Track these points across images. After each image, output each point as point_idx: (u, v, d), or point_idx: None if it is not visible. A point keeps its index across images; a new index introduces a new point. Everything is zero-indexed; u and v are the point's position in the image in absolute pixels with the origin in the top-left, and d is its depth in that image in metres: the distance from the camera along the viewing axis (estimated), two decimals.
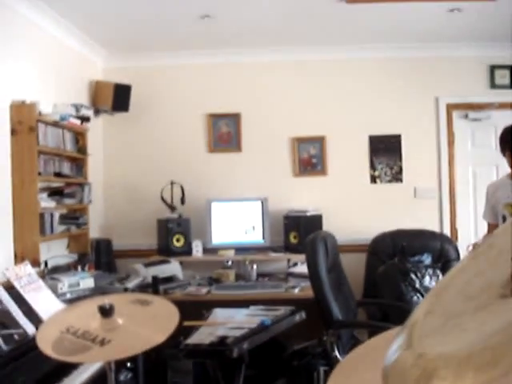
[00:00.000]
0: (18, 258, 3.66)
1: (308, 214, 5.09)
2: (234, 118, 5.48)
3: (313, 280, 3.73)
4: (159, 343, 1.77)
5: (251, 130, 5.45)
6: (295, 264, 5.08)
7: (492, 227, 3.59)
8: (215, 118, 5.49)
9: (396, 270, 4.62)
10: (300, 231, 5.01)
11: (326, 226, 5.00)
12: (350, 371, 1.39)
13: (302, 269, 4.60)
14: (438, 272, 4.35)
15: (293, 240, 5.10)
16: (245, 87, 5.47)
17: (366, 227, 5.23)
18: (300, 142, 5.42)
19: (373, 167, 5.38)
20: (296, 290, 4.41)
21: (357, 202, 5.34)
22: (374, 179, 5.39)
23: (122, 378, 3.79)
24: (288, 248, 5.13)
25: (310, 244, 3.76)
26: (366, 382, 1.24)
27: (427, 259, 4.83)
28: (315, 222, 5.06)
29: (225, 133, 5.51)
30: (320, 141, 5.39)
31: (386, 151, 5.37)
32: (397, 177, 5.36)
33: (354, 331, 3.85)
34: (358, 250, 5.19)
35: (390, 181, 5.38)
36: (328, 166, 5.39)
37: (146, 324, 1.91)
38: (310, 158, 5.43)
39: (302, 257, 4.29)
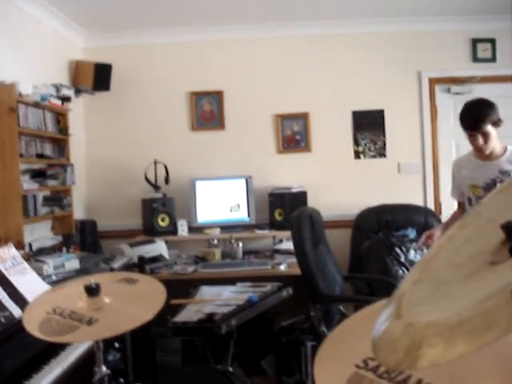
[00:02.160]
0: (2, 241, 3.62)
1: (293, 190, 5.10)
2: (217, 96, 5.44)
3: (299, 256, 3.74)
4: (147, 321, 1.77)
5: (234, 107, 5.42)
6: (281, 241, 5.09)
7: (462, 205, 3.56)
8: (198, 96, 5.45)
9: (381, 245, 4.65)
10: (285, 208, 5.02)
11: (311, 202, 5.01)
12: (338, 343, 1.40)
13: (288, 245, 4.62)
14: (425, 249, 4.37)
15: (278, 217, 5.11)
16: (227, 65, 5.42)
17: (350, 203, 5.25)
18: (283, 119, 5.39)
19: (356, 143, 5.38)
20: (282, 267, 4.42)
21: (341, 178, 5.35)
22: (357, 155, 5.39)
23: (110, 358, 3.80)
24: (273, 225, 5.13)
25: (295, 220, 3.76)
26: (355, 352, 1.25)
27: (412, 233, 4.86)
28: (300, 198, 5.07)
29: (208, 111, 5.47)
30: (303, 117, 5.38)
31: (369, 126, 5.36)
32: (380, 152, 5.37)
33: (341, 306, 3.88)
34: (343, 225, 5.21)
35: (373, 156, 5.38)
36: (312, 142, 5.38)
37: (133, 302, 1.90)
38: (293, 135, 5.41)
39: (288, 233, 4.30)
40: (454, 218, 3.57)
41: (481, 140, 3.13)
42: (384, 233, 4.80)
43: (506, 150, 3.25)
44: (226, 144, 5.41)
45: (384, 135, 5.36)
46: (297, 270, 3.83)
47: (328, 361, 1.32)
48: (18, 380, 2.46)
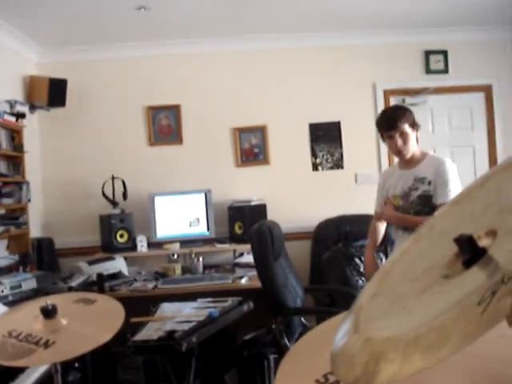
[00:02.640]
0: None
1: (252, 203, 5.10)
2: (174, 110, 5.42)
3: (259, 269, 3.75)
4: (106, 342, 1.74)
5: (191, 121, 5.40)
6: (241, 254, 5.08)
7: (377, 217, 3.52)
8: (155, 111, 5.42)
9: (341, 256, 4.69)
10: (245, 221, 5.01)
11: (271, 214, 5.02)
12: (299, 358, 1.40)
13: (248, 259, 4.62)
14: (382, 255, 4.42)
15: (238, 230, 5.10)
16: (184, 78, 5.41)
17: (309, 214, 5.28)
18: (241, 132, 5.41)
19: (314, 155, 5.42)
20: (243, 281, 4.42)
21: (300, 190, 5.38)
22: (315, 167, 5.43)
23: (70, 378, 3.72)
24: (233, 239, 5.13)
25: (255, 233, 3.77)
26: (315, 367, 1.25)
27: None
28: (259, 211, 5.08)
29: (165, 125, 5.44)
30: (261, 130, 5.40)
31: (326, 139, 5.42)
32: (338, 164, 5.42)
33: (303, 318, 3.89)
34: (303, 237, 5.23)
35: (331, 168, 5.43)
36: (270, 155, 5.40)
37: (91, 323, 1.87)
38: (251, 148, 5.42)
39: (248, 247, 4.30)
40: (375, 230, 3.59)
41: (399, 141, 3.12)
42: (343, 243, 4.84)
43: (424, 156, 3.22)
44: (184, 158, 5.39)
45: (341, 147, 5.42)
46: (258, 283, 3.83)
47: (288, 376, 1.32)
48: None
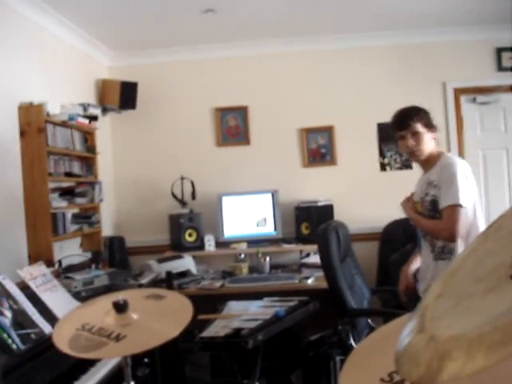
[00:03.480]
0: (32, 259, 3.69)
1: (319, 204, 5.09)
2: (242, 111, 5.48)
3: (326, 270, 3.74)
4: (173, 337, 1.78)
5: (259, 122, 5.45)
6: (308, 254, 5.08)
7: None
8: (223, 112, 5.50)
9: (409, 257, 4.61)
10: (311, 222, 5.02)
11: (338, 215, 5.00)
12: (364, 356, 1.40)
13: (315, 259, 4.61)
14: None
15: (304, 231, 5.11)
16: (251, 80, 5.46)
17: (377, 215, 5.22)
18: (308, 133, 5.41)
19: (382, 155, 5.36)
20: (309, 281, 4.42)
21: (367, 191, 5.33)
22: (383, 167, 5.37)
23: (139, 373, 3.82)
24: (300, 239, 5.13)
25: (321, 234, 3.76)
26: (380, 366, 1.25)
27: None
28: (326, 211, 5.06)
29: (233, 126, 5.51)
30: (328, 130, 5.38)
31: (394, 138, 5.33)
32: (406, 164, 5.34)
33: (369, 319, 3.85)
34: (370, 238, 5.18)
35: (399, 168, 5.36)
36: (337, 155, 5.38)
37: (160, 319, 1.92)
38: (318, 148, 5.42)
39: (315, 247, 4.30)
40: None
41: (411, 141, 2.93)
42: (411, 245, 4.76)
43: (439, 158, 2.97)
44: (251, 159, 5.44)
45: None
46: (324, 284, 3.82)
47: (353, 375, 1.32)
48: None
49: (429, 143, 2.95)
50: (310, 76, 5.42)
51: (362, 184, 5.34)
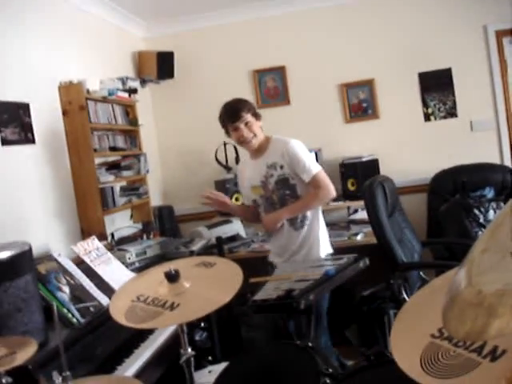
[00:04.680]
0: (85, 234, 3.79)
1: (363, 159, 5.05)
2: (280, 72, 5.44)
3: (374, 225, 3.73)
4: (225, 303, 1.81)
5: (298, 81, 5.40)
6: (356, 211, 5.07)
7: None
8: (260, 74, 5.47)
9: (459, 207, 4.55)
10: (357, 177, 4.98)
11: (383, 169, 4.96)
12: (414, 312, 1.41)
13: (363, 215, 4.59)
14: (502, 205, 4.26)
15: (351, 187, 5.08)
16: (287, 39, 5.39)
17: (424, 166, 5.14)
18: (348, 88, 5.34)
19: (425, 105, 5.25)
20: (359, 237, 4.42)
21: (412, 142, 5.24)
22: (427, 117, 5.27)
23: (197, 337, 3.92)
24: (347, 195, 5.11)
25: (367, 190, 3.74)
26: (430, 321, 1.25)
27: (489, 193, 4.73)
28: (372, 166, 5.02)
29: (271, 87, 5.48)
30: (369, 84, 5.29)
31: (437, 87, 5.22)
32: (451, 112, 5.22)
33: (421, 272, 3.84)
34: (418, 190, 5.13)
35: (444, 117, 5.25)
36: (379, 108, 5.30)
37: (211, 286, 1.95)
38: (360, 103, 5.34)
39: (362, 203, 4.28)
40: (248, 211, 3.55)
41: (246, 131, 3.20)
42: (461, 194, 4.69)
43: (269, 141, 3.30)
44: (292, 118, 5.40)
45: (453, 94, 5.20)
46: (374, 239, 3.81)
47: (404, 331, 1.33)
48: (111, 365, 2.59)
49: (259, 131, 3.26)
50: (347, 30, 5.31)
51: (406, 136, 5.25)
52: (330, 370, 1.94)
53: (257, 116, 3.27)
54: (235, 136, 3.27)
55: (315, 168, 3.18)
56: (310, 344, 2.19)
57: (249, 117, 3.21)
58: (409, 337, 1.29)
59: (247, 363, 2.34)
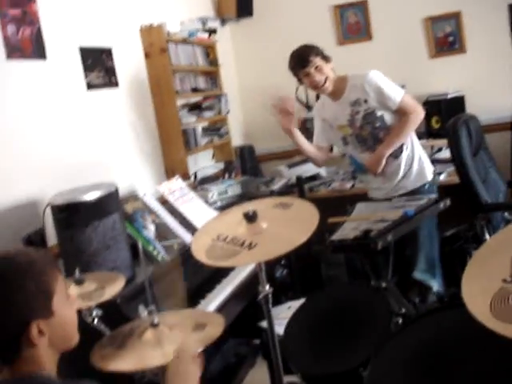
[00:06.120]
0: (169, 174, 3.92)
1: (449, 96, 4.89)
2: (361, 6, 5.28)
3: (457, 165, 3.65)
4: (302, 243, 1.85)
5: (380, 16, 5.22)
6: (439, 150, 4.95)
7: (325, 149, 3.58)
8: (341, 9, 5.33)
9: None
10: (442, 115, 4.84)
11: (469, 106, 4.80)
12: (486, 258, 1.40)
13: (447, 154, 4.48)
14: None
15: (435, 125, 4.95)
16: None
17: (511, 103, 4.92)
18: (433, 21, 5.11)
19: None
20: (442, 177, 4.33)
21: (500, 78, 4.98)
22: None
23: (277, 274, 4.03)
24: (431, 134, 4.98)
25: (451, 128, 3.65)
26: (503, 267, 1.25)
27: None
28: (457, 103, 4.86)
29: (353, 23, 5.35)
30: (455, 17, 5.05)
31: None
32: None
33: (505, 213, 3.74)
34: (506, 128, 4.92)
35: None
36: (466, 43, 5.06)
37: (287, 226, 1.99)
38: (445, 37, 5.12)
39: (446, 142, 4.17)
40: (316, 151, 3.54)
41: (317, 75, 3.18)
42: None
43: (346, 80, 3.28)
44: (374, 54, 5.26)
45: None
46: (458, 179, 3.73)
47: (476, 275, 1.33)
48: (194, 299, 2.72)
49: (330, 73, 3.23)
50: None
51: (493, 72, 5.00)
52: (403, 310, 1.97)
53: (326, 59, 3.24)
54: (308, 82, 3.27)
55: (399, 94, 3.21)
56: (383, 285, 2.21)
57: (318, 60, 3.19)
58: (480, 280, 1.30)
59: (322, 301, 2.40)
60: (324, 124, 3.48)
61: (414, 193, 3.26)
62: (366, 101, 3.21)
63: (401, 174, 3.35)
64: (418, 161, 3.37)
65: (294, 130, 3.40)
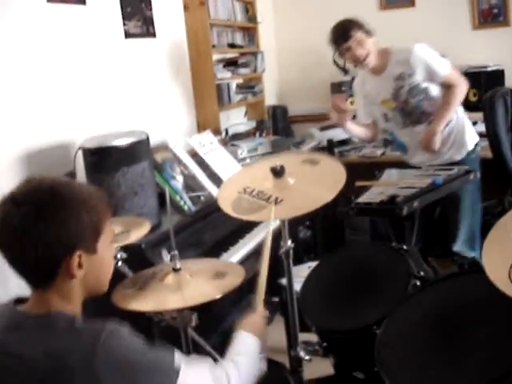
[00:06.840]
0: (201, 127, 3.94)
1: (488, 69, 4.79)
2: None
3: (491, 139, 3.61)
4: (328, 202, 1.83)
5: None
6: (475, 123, 4.85)
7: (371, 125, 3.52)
8: None
9: None
10: (480, 88, 4.75)
11: (508, 81, 4.69)
12: (508, 228, 1.40)
13: (482, 127, 4.42)
14: None
15: (472, 97, 4.85)
16: None
17: None
18: None
19: None
20: None
21: None
22: None
23: (301, 235, 4.06)
24: (467, 106, 4.86)
25: (487, 102, 3.60)
26: None
27: None
28: (496, 77, 4.76)
29: None
30: None
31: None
32: None
33: None
34: None
35: None
36: (511, 16, 4.94)
37: (315, 183, 1.96)
38: (490, 9, 5.00)
39: (482, 115, 4.11)
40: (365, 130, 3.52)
41: (359, 50, 3.14)
42: None
43: (389, 54, 3.23)
44: (416, 22, 5.15)
45: None
46: (490, 154, 3.69)
47: (496, 244, 1.34)
48: (217, 251, 2.76)
49: (372, 47, 3.19)
50: None
51: None
52: (422, 274, 1.98)
53: (368, 33, 3.20)
54: (349, 57, 3.25)
55: (446, 67, 3.19)
56: (404, 247, 2.22)
57: (360, 35, 3.16)
58: (501, 248, 1.30)
59: (341, 259, 2.42)
60: (365, 101, 3.45)
61: (459, 163, 3.20)
62: (410, 75, 3.17)
63: (448, 145, 3.30)
64: (462, 131, 3.34)
65: (346, 124, 3.38)
